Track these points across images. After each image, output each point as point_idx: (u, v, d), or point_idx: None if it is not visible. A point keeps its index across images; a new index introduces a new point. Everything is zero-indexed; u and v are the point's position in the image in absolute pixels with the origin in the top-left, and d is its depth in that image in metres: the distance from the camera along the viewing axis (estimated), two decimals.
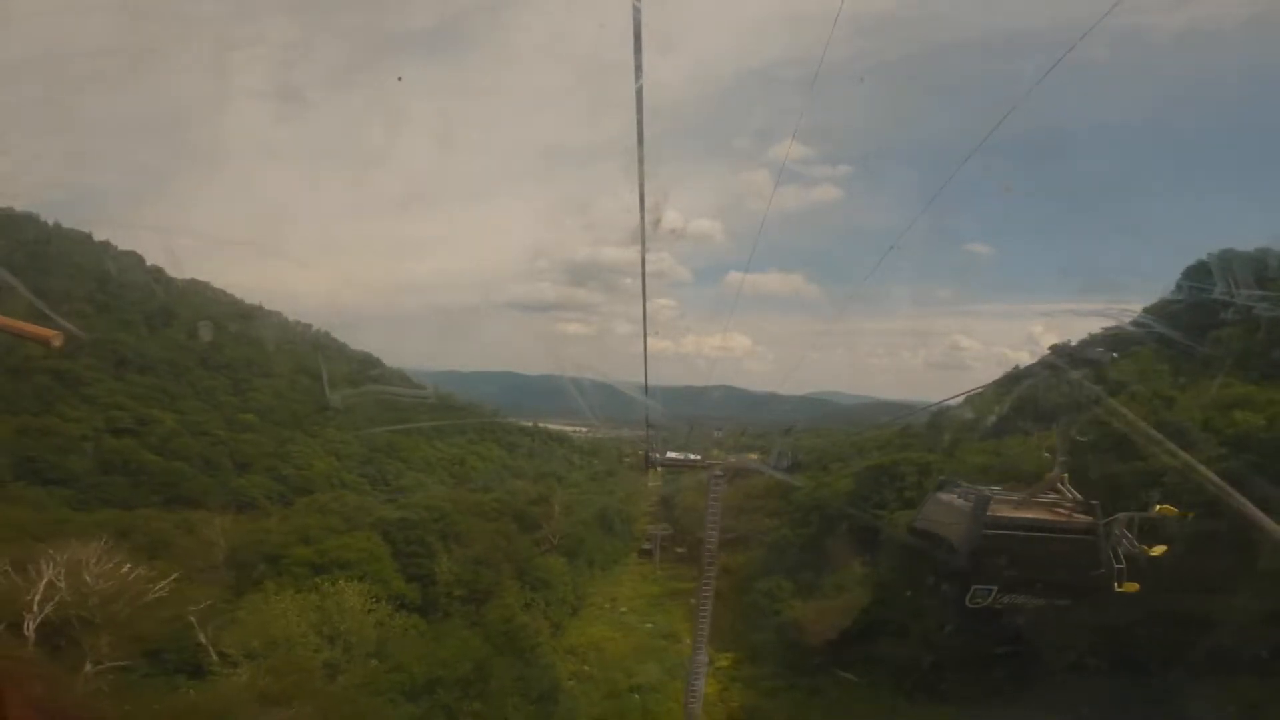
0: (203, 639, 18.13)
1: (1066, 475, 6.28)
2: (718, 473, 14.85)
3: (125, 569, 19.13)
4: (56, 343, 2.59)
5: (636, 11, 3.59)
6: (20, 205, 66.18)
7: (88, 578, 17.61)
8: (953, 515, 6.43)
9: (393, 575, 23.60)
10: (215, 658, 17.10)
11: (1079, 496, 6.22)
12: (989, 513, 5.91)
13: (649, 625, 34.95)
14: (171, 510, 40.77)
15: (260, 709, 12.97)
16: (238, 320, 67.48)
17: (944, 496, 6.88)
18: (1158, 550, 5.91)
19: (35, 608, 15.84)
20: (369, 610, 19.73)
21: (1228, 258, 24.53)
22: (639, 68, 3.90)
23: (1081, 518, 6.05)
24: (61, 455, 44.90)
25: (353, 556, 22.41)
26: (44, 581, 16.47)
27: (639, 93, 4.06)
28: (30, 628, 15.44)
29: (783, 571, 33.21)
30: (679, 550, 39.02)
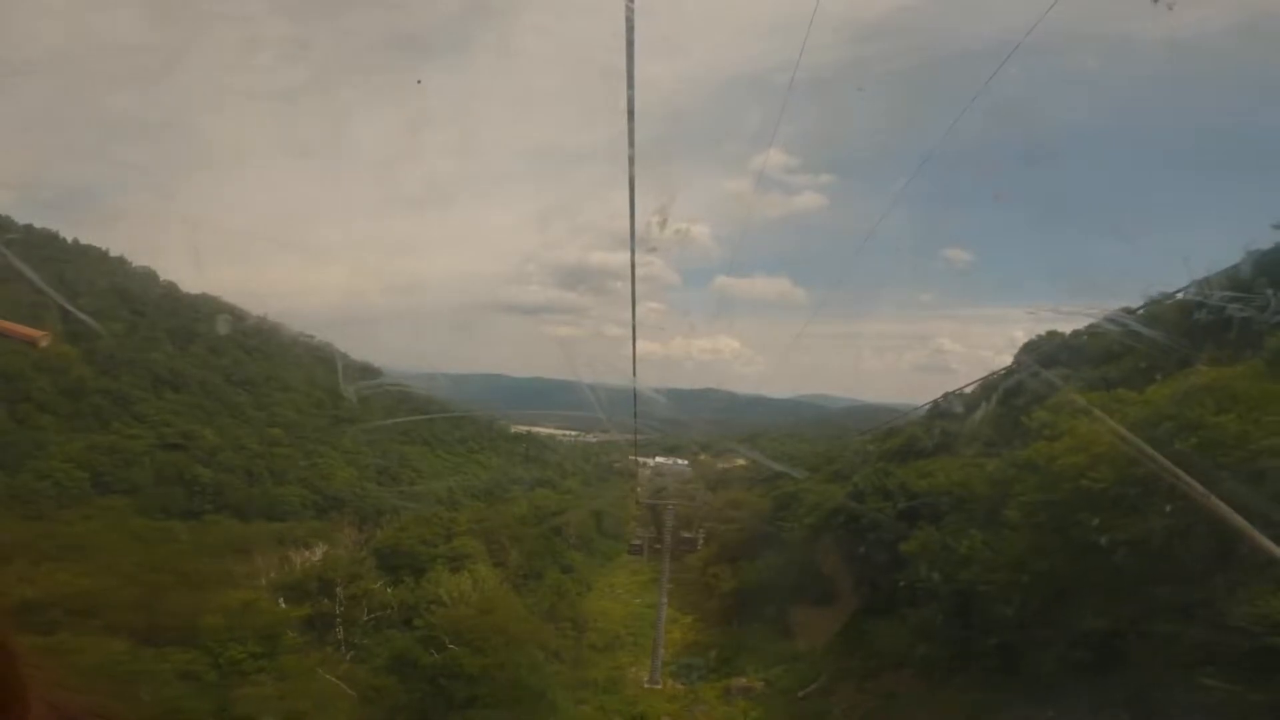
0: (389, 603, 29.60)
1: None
2: (670, 504, 29.66)
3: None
4: (44, 343, 2.68)
5: (629, 18, 3.74)
6: (38, 222, 67.99)
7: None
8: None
9: (488, 563, 35.70)
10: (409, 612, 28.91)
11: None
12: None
13: (637, 600, 48.94)
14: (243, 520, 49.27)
15: (478, 615, 25.74)
16: (251, 335, 72.83)
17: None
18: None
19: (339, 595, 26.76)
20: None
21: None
22: (630, 74, 4.05)
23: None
24: (126, 469, 51.15)
25: (471, 551, 34.34)
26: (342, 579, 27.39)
27: (630, 99, 4.26)
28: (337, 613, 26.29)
29: (724, 561, 48.43)
30: (657, 547, 52.88)
